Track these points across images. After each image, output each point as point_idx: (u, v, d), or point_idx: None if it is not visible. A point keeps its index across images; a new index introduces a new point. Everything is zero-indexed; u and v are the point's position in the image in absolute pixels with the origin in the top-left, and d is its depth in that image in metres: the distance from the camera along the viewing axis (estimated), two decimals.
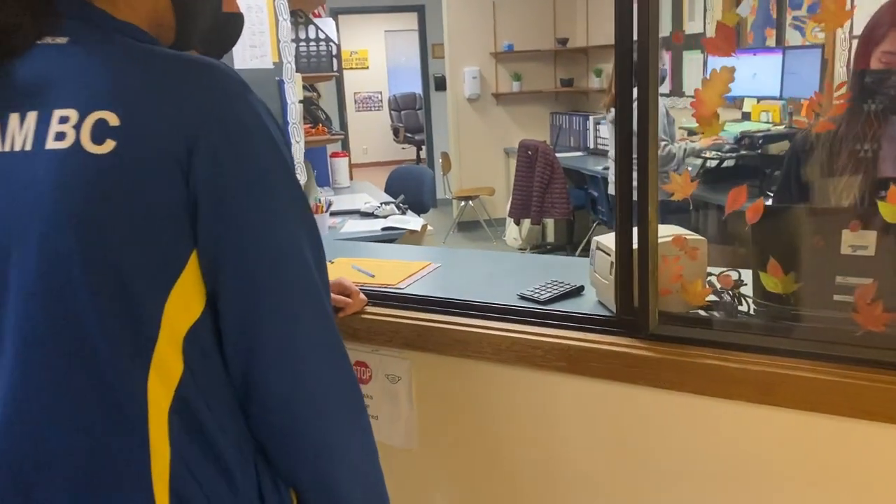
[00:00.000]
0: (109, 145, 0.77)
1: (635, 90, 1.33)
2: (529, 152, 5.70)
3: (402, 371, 1.66)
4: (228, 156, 0.84)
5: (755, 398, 1.28)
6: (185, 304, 0.86)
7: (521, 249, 6.34)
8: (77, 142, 0.78)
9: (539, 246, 6.29)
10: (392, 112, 12.23)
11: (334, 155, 4.95)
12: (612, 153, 4.58)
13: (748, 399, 1.29)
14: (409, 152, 12.08)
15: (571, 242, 5.99)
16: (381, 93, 12.40)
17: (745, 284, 1.41)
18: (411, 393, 1.66)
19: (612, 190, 4.59)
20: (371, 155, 12.26)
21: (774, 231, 1.34)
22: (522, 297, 1.61)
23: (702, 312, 1.42)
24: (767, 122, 4.22)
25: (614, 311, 1.47)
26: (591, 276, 1.59)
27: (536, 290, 1.63)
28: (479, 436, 1.61)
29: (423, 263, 1.92)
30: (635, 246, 1.40)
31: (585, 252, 5.99)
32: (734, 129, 4.28)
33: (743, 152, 3.98)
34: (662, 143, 4.11)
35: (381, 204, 3.99)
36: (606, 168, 5.24)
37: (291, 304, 0.92)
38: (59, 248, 0.78)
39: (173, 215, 0.82)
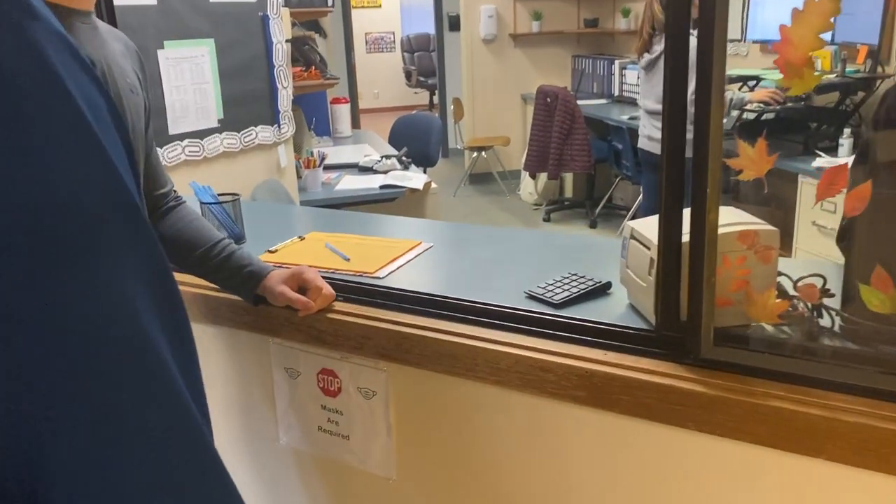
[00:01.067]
0: None
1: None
2: (549, 99, 5.24)
3: (377, 384, 1.32)
4: None
5: (850, 459, 0.92)
6: None
7: (536, 205, 5.94)
8: None
9: (556, 202, 5.88)
10: (405, 54, 11.66)
11: (335, 101, 4.55)
12: (643, 103, 4.14)
13: (840, 459, 0.93)
14: (422, 97, 11.56)
15: (592, 198, 5.57)
16: (393, 33, 11.81)
17: (833, 295, 1.04)
18: (389, 411, 1.32)
19: (641, 143, 4.16)
20: (382, 100, 11.76)
21: (886, 228, 0.96)
22: (531, 297, 1.25)
23: (768, 328, 1.05)
24: (816, 70, 3.75)
25: (653, 323, 1.11)
26: (621, 271, 1.22)
27: (550, 288, 1.26)
28: (469, 470, 1.27)
29: (411, 243, 1.56)
30: (685, 238, 1.03)
31: (607, 209, 5.59)
32: (773, 77, 3.82)
33: (788, 104, 3.54)
34: None
35: (382, 157, 3.60)
36: (633, 118, 4.80)
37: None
38: None
39: None
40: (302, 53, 3.71)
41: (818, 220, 3.26)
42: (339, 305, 1.32)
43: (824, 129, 3.62)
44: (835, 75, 3.58)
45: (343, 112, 4.50)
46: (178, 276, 0.83)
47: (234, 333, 1.45)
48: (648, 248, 1.12)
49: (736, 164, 0.99)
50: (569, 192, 5.98)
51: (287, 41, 3.00)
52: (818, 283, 1.04)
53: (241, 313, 1.39)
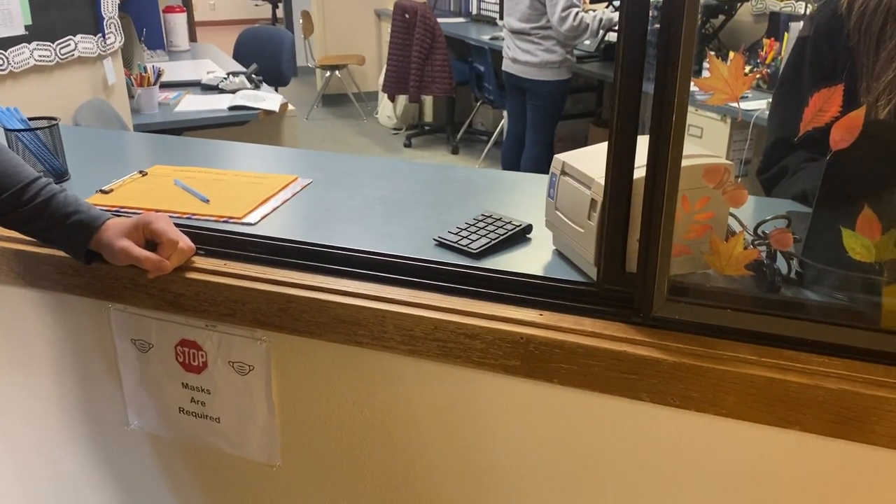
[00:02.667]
0: None
1: None
2: (406, 15, 4.93)
3: (255, 357, 1.07)
4: None
5: (829, 430, 0.81)
6: None
7: (395, 129, 5.68)
8: None
9: (415, 126, 5.65)
10: None
11: (168, 10, 4.00)
12: (507, 22, 3.93)
13: (817, 430, 0.81)
14: (264, 10, 10.74)
15: (453, 123, 5.38)
16: None
17: (799, 240, 0.91)
18: (271, 389, 1.08)
19: (506, 66, 3.98)
20: (220, 12, 10.81)
21: (878, 162, 0.83)
22: (443, 244, 1.05)
23: (718, 277, 0.91)
24: None
25: (591, 276, 0.94)
26: (548, 213, 1.03)
27: (462, 234, 1.06)
28: (373, 454, 1.07)
29: (285, 178, 1.29)
30: (637, 175, 0.85)
31: (468, 134, 5.41)
32: None
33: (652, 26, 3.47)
34: (574, 10, 3.53)
35: (229, 75, 3.19)
36: (496, 38, 4.61)
37: None
38: None
39: None
40: None
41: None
42: (199, 261, 1.05)
43: (703, 50, 3.61)
44: None
45: (179, 22, 3.98)
46: None
47: (63, 299, 1.14)
48: (588, 187, 0.93)
49: (706, 86, 0.81)
50: (428, 117, 5.76)
51: None
52: (783, 225, 0.90)
53: (71, 273, 1.08)
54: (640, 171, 0.86)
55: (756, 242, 0.90)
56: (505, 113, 4.45)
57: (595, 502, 0.97)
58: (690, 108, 3.06)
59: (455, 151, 5.28)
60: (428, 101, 5.61)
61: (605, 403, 0.90)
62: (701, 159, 0.87)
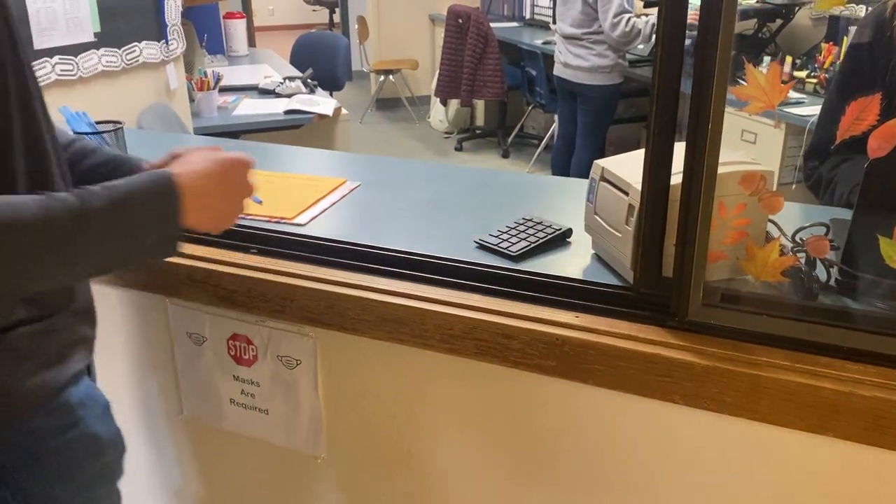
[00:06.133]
0: None
1: None
2: (460, 20, 4.97)
3: (302, 352, 1.12)
4: None
5: (861, 437, 0.81)
6: None
7: (447, 133, 5.72)
8: None
9: (467, 130, 5.68)
10: None
11: (229, 16, 4.13)
12: (559, 27, 3.94)
13: (850, 437, 0.82)
14: (322, 15, 10.93)
15: (504, 127, 5.39)
16: None
17: (837, 248, 0.91)
18: (317, 383, 1.12)
19: (557, 70, 3.99)
20: (278, 17, 11.04)
21: None
22: (483, 247, 1.08)
23: (759, 284, 0.92)
24: None
25: (628, 279, 0.96)
26: (587, 217, 1.06)
27: (503, 236, 1.09)
28: (413, 448, 1.11)
29: (335, 181, 1.34)
30: (675, 181, 0.87)
31: (519, 138, 5.42)
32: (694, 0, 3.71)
33: None
34: (626, 16, 3.52)
35: (285, 79, 3.28)
36: (548, 43, 4.61)
37: None
38: None
39: None
40: None
41: (738, 151, 3.21)
42: (252, 259, 1.10)
43: (740, 58, 3.57)
44: (755, 0, 3.50)
45: (238, 28, 4.10)
46: None
47: (125, 294, 1.21)
48: (626, 193, 0.95)
49: (743, 94, 0.82)
50: (480, 121, 5.79)
51: None
52: (821, 232, 0.90)
53: (133, 269, 1.14)
54: (677, 178, 0.87)
55: (795, 249, 0.91)
56: (556, 117, 4.45)
57: (625, 501, 0.99)
58: (743, 115, 3.03)
59: (506, 155, 5.29)
60: (480, 105, 5.64)
61: (639, 405, 0.91)
62: (738, 166, 0.88)
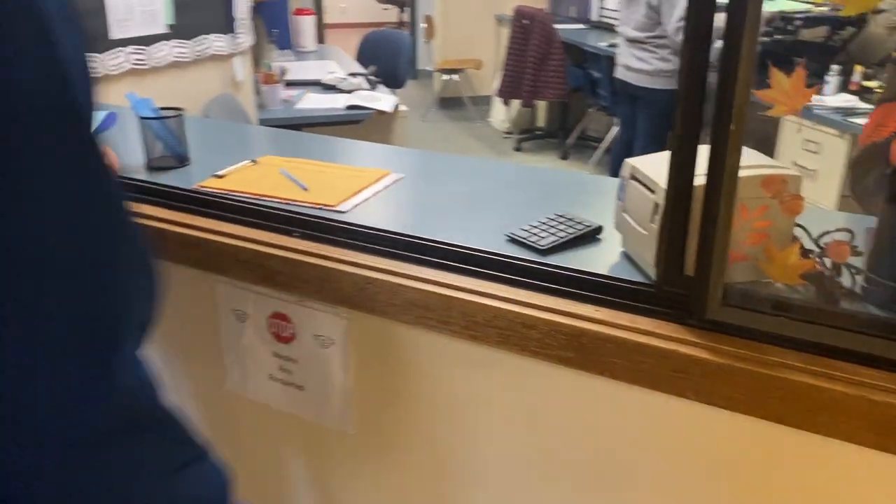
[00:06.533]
0: None
1: None
2: (525, 21, 4.99)
3: (336, 333, 1.17)
4: None
5: (871, 441, 0.82)
6: None
7: (507, 133, 5.75)
8: None
9: (528, 130, 5.70)
10: None
11: (299, 12, 4.25)
12: (622, 30, 3.93)
13: (862, 442, 0.82)
14: (392, 14, 11.09)
15: (564, 128, 5.39)
16: None
17: (861, 254, 0.91)
18: (347, 362, 1.18)
19: (618, 73, 3.97)
20: (350, 14, 11.25)
21: None
22: (514, 240, 1.11)
23: (781, 287, 0.92)
24: (807, 2, 3.59)
25: (652, 277, 0.98)
26: (617, 215, 1.08)
27: (534, 231, 1.12)
28: (435, 430, 1.15)
29: (379, 172, 1.39)
30: (699, 181, 0.89)
31: (580, 140, 5.42)
32: (766, 7, 3.64)
33: (777, 36, 3.38)
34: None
35: (348, 76, 3.37)
36: (613, 45, 4.59)
37: None
38: None
39: None
40: None
41: (799, 161, 3.15)
42: (296, 242, 1.16)
43: (810, 66, 3.48)
44: (827, 7, 3.42)
45: (307, 24, 4.22)
46: None
47: (178, 269, 1.29)
48: (652, 192, 0.97)
49: (767, 97, 0.84)
50: (541, 121, 5.79)
51: None
52: (844, 238, 0.91)
53: (187, 247, 1.22)
54: (701, 179, 0.89)
55: (818, 254, 0.91)
56: (616, 120, 4.43)
57: (636, 493, 1.01)
58: (807, 124, 2.96)
59: (565, 157, 5.29)
60: (541, 106, 5.65)
61: (653, 399, 0.93)
62: (761, 169, 0.89)
